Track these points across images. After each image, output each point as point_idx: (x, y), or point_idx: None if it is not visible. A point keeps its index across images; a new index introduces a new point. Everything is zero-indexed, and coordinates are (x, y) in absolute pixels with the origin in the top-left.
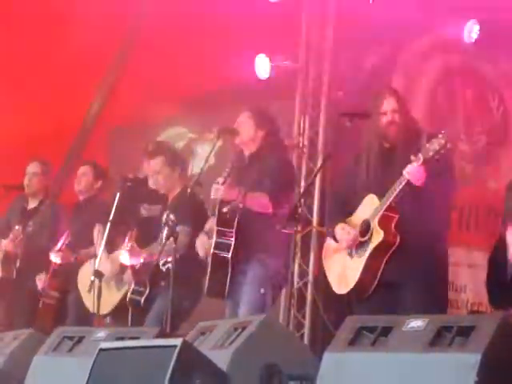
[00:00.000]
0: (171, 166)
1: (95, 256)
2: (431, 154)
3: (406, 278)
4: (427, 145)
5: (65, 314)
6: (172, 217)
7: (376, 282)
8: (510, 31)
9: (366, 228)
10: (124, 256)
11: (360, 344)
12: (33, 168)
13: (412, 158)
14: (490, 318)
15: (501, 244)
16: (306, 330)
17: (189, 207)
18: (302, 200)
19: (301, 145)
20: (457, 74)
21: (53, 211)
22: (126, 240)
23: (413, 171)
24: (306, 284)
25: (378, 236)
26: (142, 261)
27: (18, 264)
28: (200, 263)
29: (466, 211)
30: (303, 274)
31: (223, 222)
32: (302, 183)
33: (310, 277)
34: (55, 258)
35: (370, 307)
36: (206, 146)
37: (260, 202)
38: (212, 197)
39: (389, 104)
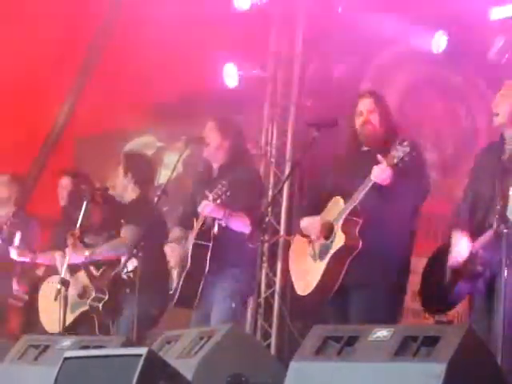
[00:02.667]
0: (125, 172)
1: (52, 260)
2: (395, 161)
3: (362, 284)
4: (392, 152)
5: (32, 318)
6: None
7: (337, 286)
8: (479, 41)
9: (329, 230)
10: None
11: (326, 353)
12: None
13: (379, 157)
14: (455, 328)
15: (443, 248)
16: (273, 340)
17: (137, 208)
18: (269, 209)
19: (268, 154)
20: (425, 84)
21: (24, 225)
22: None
23: (378, 172)
24: (272, 294)
25: (339, 240)
26: (83, 259)
27: None
28: (165, 270)
29: (434, 221)
30: (270, 284)
31: (201, 235)
32: (270, 192)
33: (277, 286)
34: (12, 254)
35: (330, 311)
36: (174, 155)
37: (243, 222)
38: (199, 210)
39: (364, 104)
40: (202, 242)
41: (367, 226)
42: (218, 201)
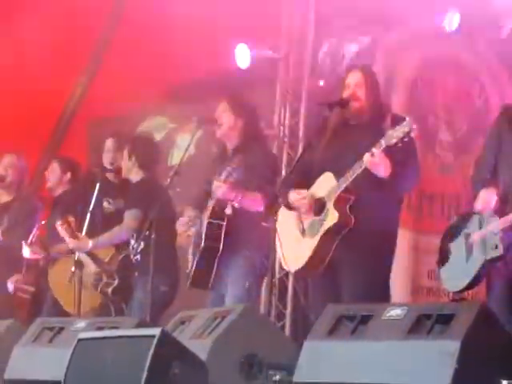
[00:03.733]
0: (129, 155)
1: (67, 252)
2: (394, 141)
3: (346, 261)
4: (390, 131)
5: (40, 309)
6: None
7: (326, 263)
8: (491, 19)
9: (320, 207)
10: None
11: (339, 333)
12: (8, 160)
13: (375, 147)
14: (469, 305)
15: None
16: (288, 320)
17: (141, 191)
18: (280, 190)
19: (281, 134)
20: (437, 63)
21: (27, 206)
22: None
23: (373, 162)
24: (287, 274)
25: (332, 217)
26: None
27: None
28: (174, 249)
29: (447, 200)
30: None
31: (215, 215)
32: (283, 173)
33: None
34: (25, 252)
35: (317, 287)
36: (187, 136)
37: (255, 202)
38: (213, 192)
39: (353, 78)
40: (216, 221)
41: (357, 204)
42: (229, 180)
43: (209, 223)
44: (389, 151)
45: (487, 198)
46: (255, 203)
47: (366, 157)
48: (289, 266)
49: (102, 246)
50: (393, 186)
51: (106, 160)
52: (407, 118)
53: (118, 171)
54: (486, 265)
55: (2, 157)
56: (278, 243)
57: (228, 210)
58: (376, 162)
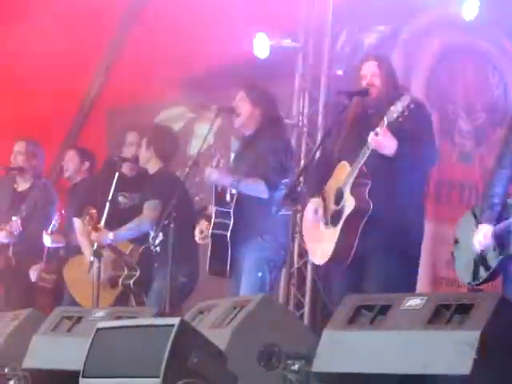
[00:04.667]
0: (148, 145)
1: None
2: (395, 115)
3: (370, 249)
4: (391, 107)
5: (61, 298)
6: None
7: (353, 252)
8: (511, 8)
9: (339, 196)
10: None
11: (358, 322)
12: (18, 147)
13: (377, 129)
14: (488, 295)
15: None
16: (306, 310)
17: (159, 182)
18: (301, 178)
19: (300, 124)
20: (457, 51)
21: (45, 194)
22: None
23: (376, 140)
24: (305, 263)
25: (350, 204)
26: (109, 241)
27: (10, 252)
28: (193, 240)
29: (466, 188)
30: (303, 254)
31: (220, 202)
32: (302, 162)
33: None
34: (46, 240)
35: (342, 278)
36: (205, 126)
37: (255, 188)
38: (205, 180)
39: (369, 67)
40: (222, 209)
41: (375, 188)
42: (220, 165)
43: (216, 211)
44: (398, 129)
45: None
46: (256, 189)
47: (370, 136)
48: (317, 258)
49: (123, 239)
50: (408, 162)
51: (129, 153)
52: (406, 95)
53: (135, 163)
54: (504, 259)
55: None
56: (304, 237)
57: (227, 196)
58: (379, 140)
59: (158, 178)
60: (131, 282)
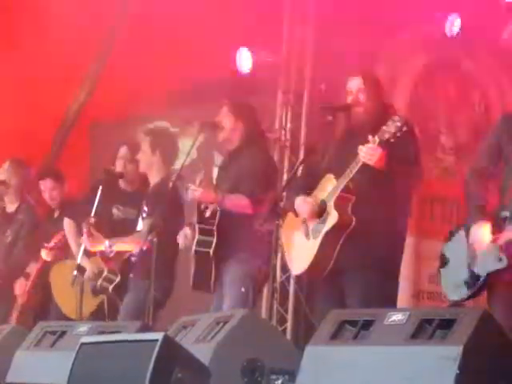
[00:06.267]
0: (153, 149)
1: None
2: (387, 136)
3: (353, 265)
4: (384, 127)
5: (47, 313)
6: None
7: (331, 265)
8: (492, 25)
9: (322, 209)
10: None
11: (342, 337)
12: (7, 166)
13: (370, 138)
14: (471, 311)
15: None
16: (289, 324)
17: (159, 196)
18: (284, 194)
19: (283, 138)
20: (439, 68)
21: (29, 219)
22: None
23: (367, 151)
24: (288, 278)
25: (333, 217)
26: (104, 248)
27: None
28: (173, 254)
29: (448, 204)
30: (286, 268)
31: (203, 219)
32: (285, 177)
33: None
34: (46, 255)
35: (322, 292)
36: (188, 141)
37: (239, 204)
38: (188, 199)
39: (354, 83)
40: (205, 226)
41: (359, 204)
42: (203, 183)
43: (199, 229)
44: (387, 149)
45: (480, 237)
46: (240, 205)
47: (360, 150)
48: (294, 269)
49: (118, 248)
50: (394, 180)
51: (120, 167)
52: (399, 116)
53: (131, 181)
54: (489, 276)
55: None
56: (284, 248)
57: (208, 213)
58: (369, 152)
59: (157, 192)
60: (111, 286)
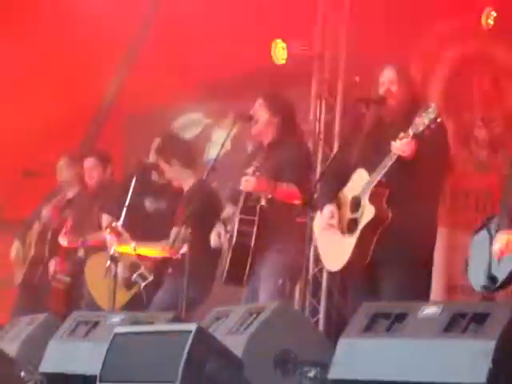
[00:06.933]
0: (167, 160)
1: (103, 241)
2: (421, 128)
3: (387, 258)
4: (417, 119)
5: (75, 299)
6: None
7: (368, 260)
8: None
9: (356, 204)
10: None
11: (375, 330)
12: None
13: (401, 134)
14: (504, 304)
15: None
16: (321, 316)
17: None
18: (318, 185)
19: (317, 130)
20: (473, 60)
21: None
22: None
23: (401, 146)
24: (321, 270)
25: (369, 212)
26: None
27: None
28: (211, 255)
29: (481, 196)
30: (318, 260)
31: (246, 210)
32: (318, 169)
33: None
34: (62, 241)
35: (356, 284)
36: (222, 132)
37: (290, 192)
38: (242, 188)
39: (387, 75)
40: (248, 217)
41: (393, 198)
42: (258, 173)
43: (240, 220)
44: (418, 140)
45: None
46: (291, 194)
47: (393, 144)
48: (331, 265)
49: (143, 252)
50: (426, 174)
51: (153, 159)
52: (432, 104)
53: (162, 171)
54: None
55: (40, 151)
56: (317, 243)
57: (263, 202)
58: (403, 146)
59: (191, 193)
60: (143, 283)
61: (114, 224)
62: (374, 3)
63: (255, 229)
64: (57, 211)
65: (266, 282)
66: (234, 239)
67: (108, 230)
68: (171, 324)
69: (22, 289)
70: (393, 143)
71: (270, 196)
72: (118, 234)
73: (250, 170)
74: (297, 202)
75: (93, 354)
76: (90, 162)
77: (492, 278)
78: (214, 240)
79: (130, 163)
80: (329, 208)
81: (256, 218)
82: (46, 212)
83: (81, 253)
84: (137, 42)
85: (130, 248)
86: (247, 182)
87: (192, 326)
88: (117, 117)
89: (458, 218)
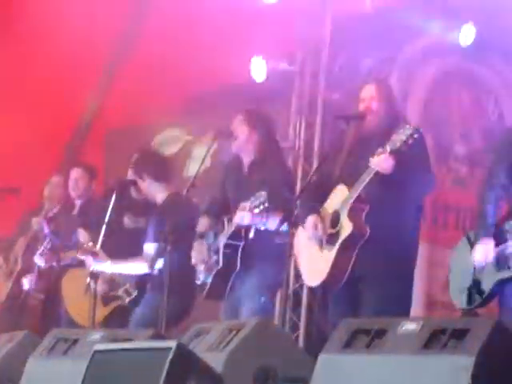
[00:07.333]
0: (139, 175)
1: (78, 260)
2: (398, 144)
3: (367, 273)
4: (394, 135)
5: (50, 316)
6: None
7: (347, 275)
8: (507, 33)
9: (336, 219)
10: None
11: (355, 346)
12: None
13: (379, 150)
14: (484, 321)
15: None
16: (302, 332)
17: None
18: (298, 202)
19: (296, 147)
20: (453, 77)
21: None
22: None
23: (379, 161)
24: (301, 286)
25: (347, 228)
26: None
27: None
28: (190, 270)
29: (461, 212)
30: (299, 276)
31: (235, 236)
32: (298, 185)
33: None
34: (39, 261)
35: (338, 301)
36: (202, 149)
37: (279, 222)
38: (236, 221)
39: (367, 91)
40: (234, 242)
41: (371, 213)
42: (256, 210)
43: (226, 244)
44: (398, 158)
45: (486, 252)
46: (277, 221)
47: (371, 160)
48: (310, 280)
49: (117, 271)
50: (406, 188)
51: (132, 175)
52: (410, 124)
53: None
54: (498, 284)
55: (18, 168)
56: (298, 258)
57: (251, 234)
58: (381, 161)
59: (165, 208)
60: (127, 299)
61: (87, 245)
62: (354, 21)
63: (239, 253)
64: (49, 222)
65: (249, 300)
66: (221, 263)
67: (82, 250)
68: (151, 341)
69: (6, 305)
70: (371, 159)
71: (262, 228)
72: (94, 254)
73: (247, 206)
74: (284, 228)
75: (72, 371)
76: (77, 173)
77: (476, 292)
78: (194, 258)
79: (110, 180)
80: (311, 219)
81: (241, 244)
82: (36, 223)
83: (55, 271)
84: (117, 57)
85: (107, 266)
86: (245, 218)
87: (172, 343)
88: (97, 133)
89: (438, 234)
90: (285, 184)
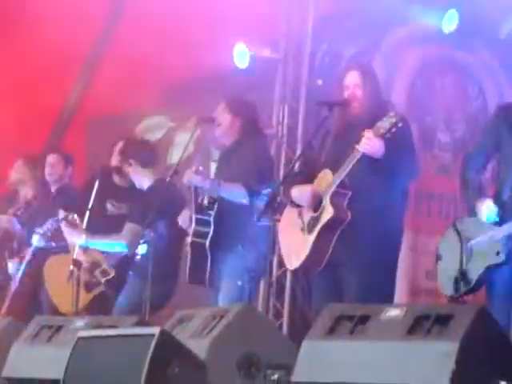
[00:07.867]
0: (125, 160)
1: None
2: (382, 131)
3: (348, 259)
4: (378, 123)
5: (36, 302)
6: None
7: (326, 259)
8: (490, 20)
9: (318, 203)
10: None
11: (338, 332)
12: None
13: (365, 132)
14: (467, 307)
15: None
16: (285, 319)
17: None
18: (282, 188)
19: (280, 134)
20: (436, 64)
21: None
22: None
23: (366, 142)
24: (285, 273)
25: (328, 212)
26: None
27: None
28: (175, 257)
29: (445, 200)
30: (282, 263)
31: (200, 210)
32: (282, 172)
33: None
34: (38, 241)
35: (319, 286)
36: (185, 135)
37: (235, 192)
38: (184, 182)
39: (351, 78)
40: (203, 217)
41: (357, 199)
42: (201, 169)
43: (196, 219)
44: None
45: (489, 210)
46: (236, 193)
47: (359, 145)
48: (290, 263)
49: (94, 246)
50: (391, 174)
51: (116, 162)
52: (394, 112)
53: (126, 176)
54: (486, 271)
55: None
56: (280, 241)
57: (205, 201)
58: (368, 142)
59: (150, 192)
60: (104, 279)
61: (70, 216)
62: (338, 9)
63: (211, 229)
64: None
65: (226, 283)
66: (190, 239)
67: (64, 221)
68: (134, 328)
69: None
70: (359, 144)
71: (215, 195)
72: (74, 226)
73: (194, 167)
74: (244, 201)
75: (56, 358)
76: (53, 158)
77: (463, 280)
78: (182, 221)
79: (93, 166)
80: (295, 188)
81: (211, 219)
82: (6, 221)
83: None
84: (100, 45)
85: (82, 240)
86: (190, 177)
87: (155, 330)
88: (79, 120)
89: (422, 222)
90: (256, 164)
